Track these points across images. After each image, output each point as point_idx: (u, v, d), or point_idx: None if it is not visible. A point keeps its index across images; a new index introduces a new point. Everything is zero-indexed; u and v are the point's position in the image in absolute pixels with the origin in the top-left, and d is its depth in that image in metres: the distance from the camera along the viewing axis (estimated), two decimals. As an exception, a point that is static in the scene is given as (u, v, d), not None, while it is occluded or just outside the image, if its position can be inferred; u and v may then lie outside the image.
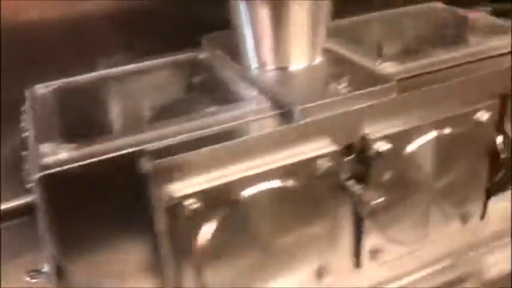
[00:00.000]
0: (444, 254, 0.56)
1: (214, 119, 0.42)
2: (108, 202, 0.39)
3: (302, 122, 0.42)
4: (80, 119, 0.47)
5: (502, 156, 0.52)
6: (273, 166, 0.42)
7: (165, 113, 0.50)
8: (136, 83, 0.52)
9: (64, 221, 0.38)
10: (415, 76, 0.48)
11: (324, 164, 0.43)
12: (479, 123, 0.49)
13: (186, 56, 0.54)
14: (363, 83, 0.45)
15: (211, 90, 0.50)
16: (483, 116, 0.49)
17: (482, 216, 0.56)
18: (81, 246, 0.39)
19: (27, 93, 0.49)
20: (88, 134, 0.42)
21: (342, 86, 0.45)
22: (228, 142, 0.40)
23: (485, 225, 0.57)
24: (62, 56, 0.60)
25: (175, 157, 0.38)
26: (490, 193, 0.55)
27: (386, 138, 0.46)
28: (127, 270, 0.42)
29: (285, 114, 0.43)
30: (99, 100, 0.50)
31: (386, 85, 0.45)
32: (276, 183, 0.43)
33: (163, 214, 0.40)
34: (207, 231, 0.41)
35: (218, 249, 0.42)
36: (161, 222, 0.40)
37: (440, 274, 0.56)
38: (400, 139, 0.46)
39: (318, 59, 0.52)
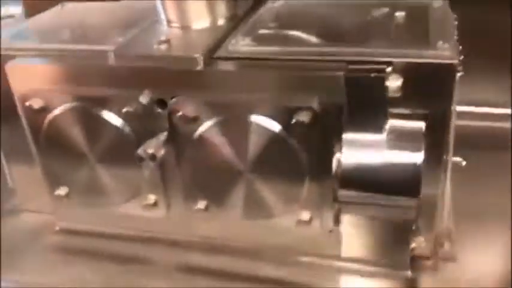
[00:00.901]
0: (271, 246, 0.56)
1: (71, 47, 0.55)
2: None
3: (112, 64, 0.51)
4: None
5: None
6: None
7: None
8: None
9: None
10: (250, 58, 0.49)
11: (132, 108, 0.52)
12: (300, 124, 0.47)
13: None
14: (187, 49, 0.50)
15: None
16: (304, 117, 0.47)
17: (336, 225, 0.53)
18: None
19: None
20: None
21: (164, 46, 0.50)
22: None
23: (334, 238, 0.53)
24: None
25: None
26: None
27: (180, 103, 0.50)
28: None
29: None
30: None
31: (191, 55, 0.49)
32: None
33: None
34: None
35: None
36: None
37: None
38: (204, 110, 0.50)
39: (221, 23, 0.57)
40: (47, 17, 0.68)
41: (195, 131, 0.51)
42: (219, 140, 0.51)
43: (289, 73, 0.47)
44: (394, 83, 0.44)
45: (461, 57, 0.49)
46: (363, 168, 0.46)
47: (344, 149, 0.47)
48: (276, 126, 0.48)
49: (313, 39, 0.52)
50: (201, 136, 0.51)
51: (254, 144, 0.50)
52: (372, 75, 0.44)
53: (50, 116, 0.55)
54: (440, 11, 0.56)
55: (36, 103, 0.55)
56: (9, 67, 0.55)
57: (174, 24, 0.57)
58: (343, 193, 0.48)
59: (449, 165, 0.51)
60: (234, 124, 0.50)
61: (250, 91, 0.48)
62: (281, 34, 0.55)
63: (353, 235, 0.53)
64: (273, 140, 0.49)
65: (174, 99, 0.51)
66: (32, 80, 0.54)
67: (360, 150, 0.47)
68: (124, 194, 0.57)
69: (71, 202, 0.60)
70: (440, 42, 0.47)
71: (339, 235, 0.53)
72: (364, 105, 0.46)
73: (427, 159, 0.47)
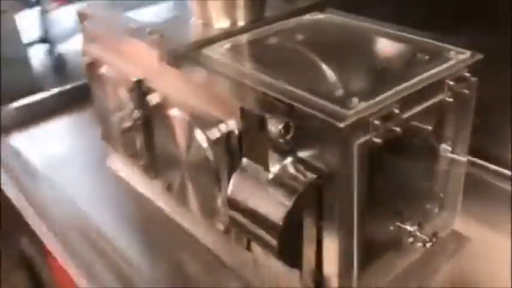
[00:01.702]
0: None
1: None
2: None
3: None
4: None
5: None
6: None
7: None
8: None
9: None
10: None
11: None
12: (208, 140, 0.51)
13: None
14: (169, 44, 0.56)
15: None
16: (212, 134, 0.50)
17: (248, 248, 0.55)
18: None
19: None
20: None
21: (155, 36, 0.58)
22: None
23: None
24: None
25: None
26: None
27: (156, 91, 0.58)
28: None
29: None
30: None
31: (162, 50, 0.55)
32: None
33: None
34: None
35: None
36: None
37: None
38: (165, 100, 0.57)
39: (241, 23, 0.60)
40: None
41: (160, 115, 0.58)
42: (171, 131, 0.57)
43: (213, 89, 0.50)
44: (274, 126, 0.44)
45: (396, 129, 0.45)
46: (245, 194, 0.47)
47: (236, 172, 0.48)
48: (200, 136, 0.52)
49: (282, 63, 0.53)
50: (161, 122, 0.58)
51: (191, 146, 0.55)
52: (254, 112, 0.44)
53: (96, 72, 0.68)
54: (441, 63, 0.49)
55: (88, 58, 0.68)
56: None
57: (199, 21, 0.63)
58: (231, 212, 0.49)
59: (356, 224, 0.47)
60: (180, 122, 0.55)
61: (192, 96, 0.53)
62: (261, 50, 0.56)
63: (263, 255, 0.54)
64: (199, 148, 0.53)
65: (147, 83, 0.58)
66: (89, 39, 0.68)
67: (249, 177, 0.47)
68: (128, 150, 0.68)
69: (114, 147, 0.74)
70: (356, 100, 0.43)
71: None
72: (254, 139, 0.46)
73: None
